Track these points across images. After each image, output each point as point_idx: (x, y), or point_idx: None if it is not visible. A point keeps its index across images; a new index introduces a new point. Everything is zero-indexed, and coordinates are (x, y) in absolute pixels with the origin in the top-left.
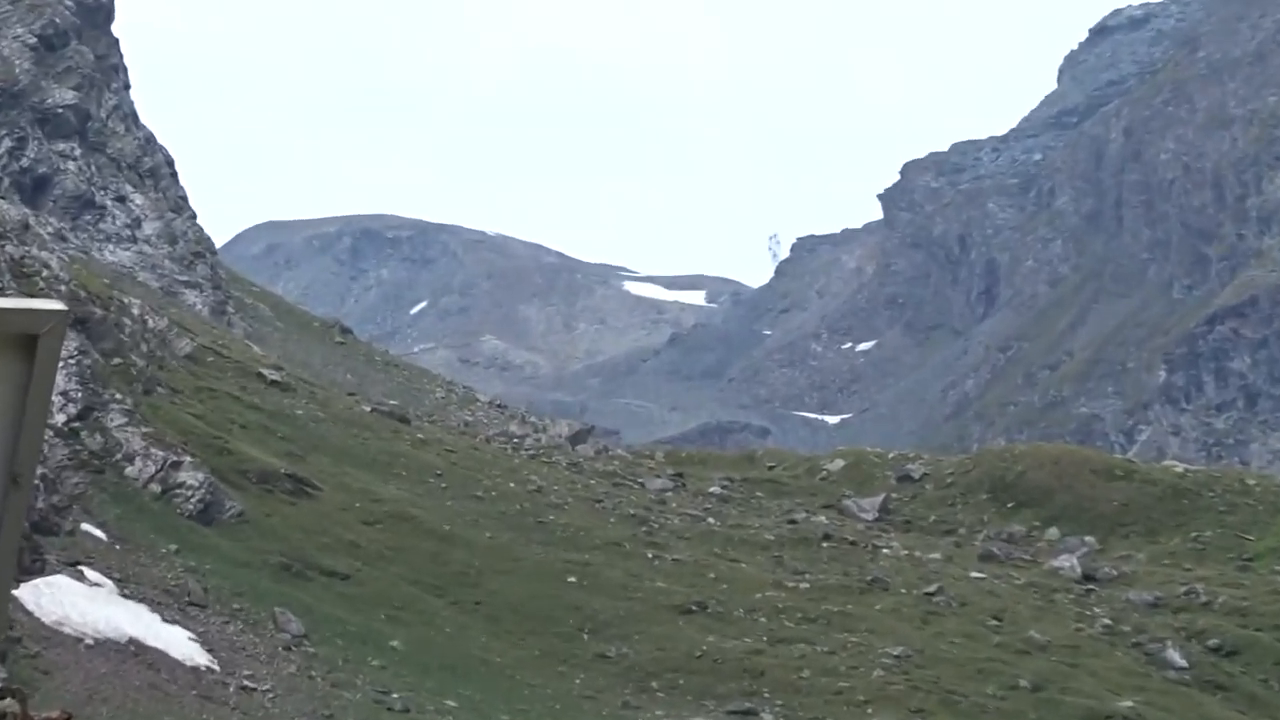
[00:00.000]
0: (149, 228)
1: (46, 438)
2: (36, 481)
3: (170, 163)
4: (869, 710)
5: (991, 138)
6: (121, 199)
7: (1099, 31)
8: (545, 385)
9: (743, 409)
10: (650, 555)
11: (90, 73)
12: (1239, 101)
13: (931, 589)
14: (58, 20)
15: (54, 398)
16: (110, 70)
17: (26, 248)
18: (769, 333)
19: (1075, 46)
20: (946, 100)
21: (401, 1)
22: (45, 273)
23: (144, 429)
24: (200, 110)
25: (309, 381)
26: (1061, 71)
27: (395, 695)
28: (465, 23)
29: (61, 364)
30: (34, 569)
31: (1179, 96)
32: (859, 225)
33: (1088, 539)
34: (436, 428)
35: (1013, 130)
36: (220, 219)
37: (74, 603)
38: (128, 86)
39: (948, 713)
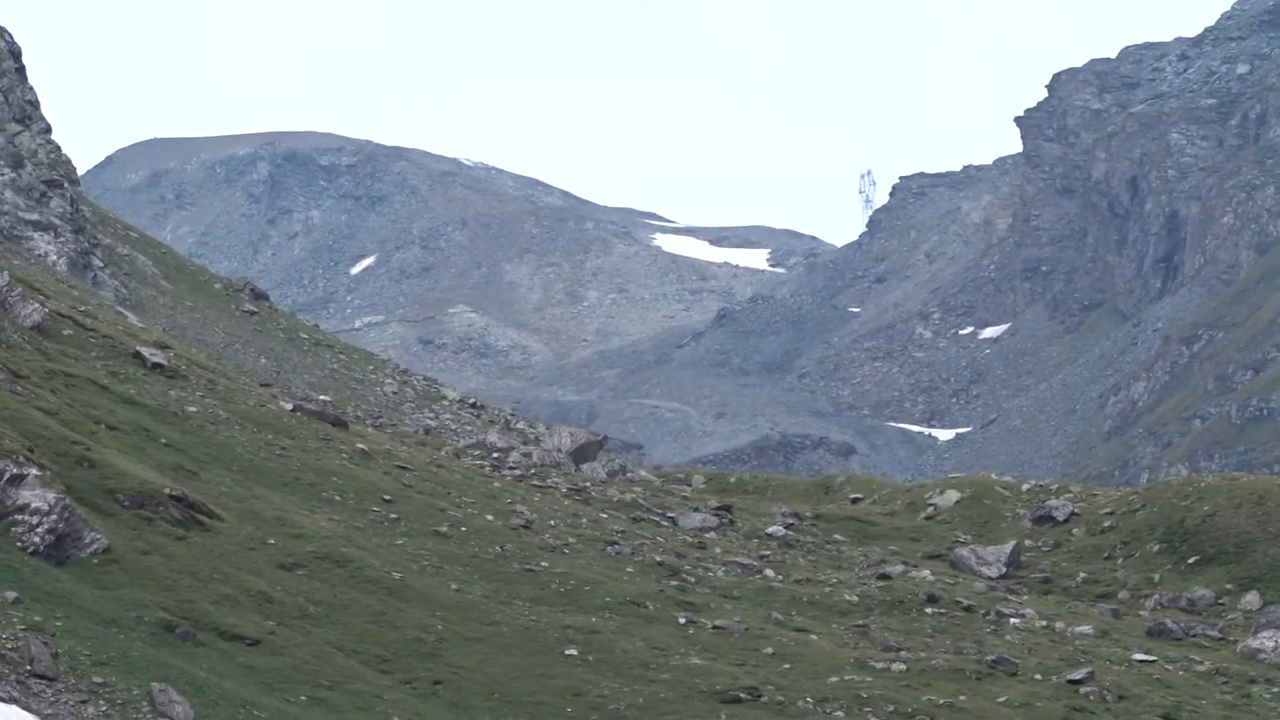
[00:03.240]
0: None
1: None
2: None
3: (15, 53)
4: None
5: (1179, 40)
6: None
7: None
8: (540, 378)
9: (818, 417)
10: (683, 620)
11: None
12: None
13: (1078, 676)
14: None
15: None
16: None
17: None
18: (856, 310)
19: None
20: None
21: None
22: None
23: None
24: None
25: (206, 367)
26: None
27: None
28: None
29: None
30: None
31: None
32: (988, 161)
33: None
34: (385, 435)
35: (1209, 30)
36: (87, 135)
37: None
38: None
39: None
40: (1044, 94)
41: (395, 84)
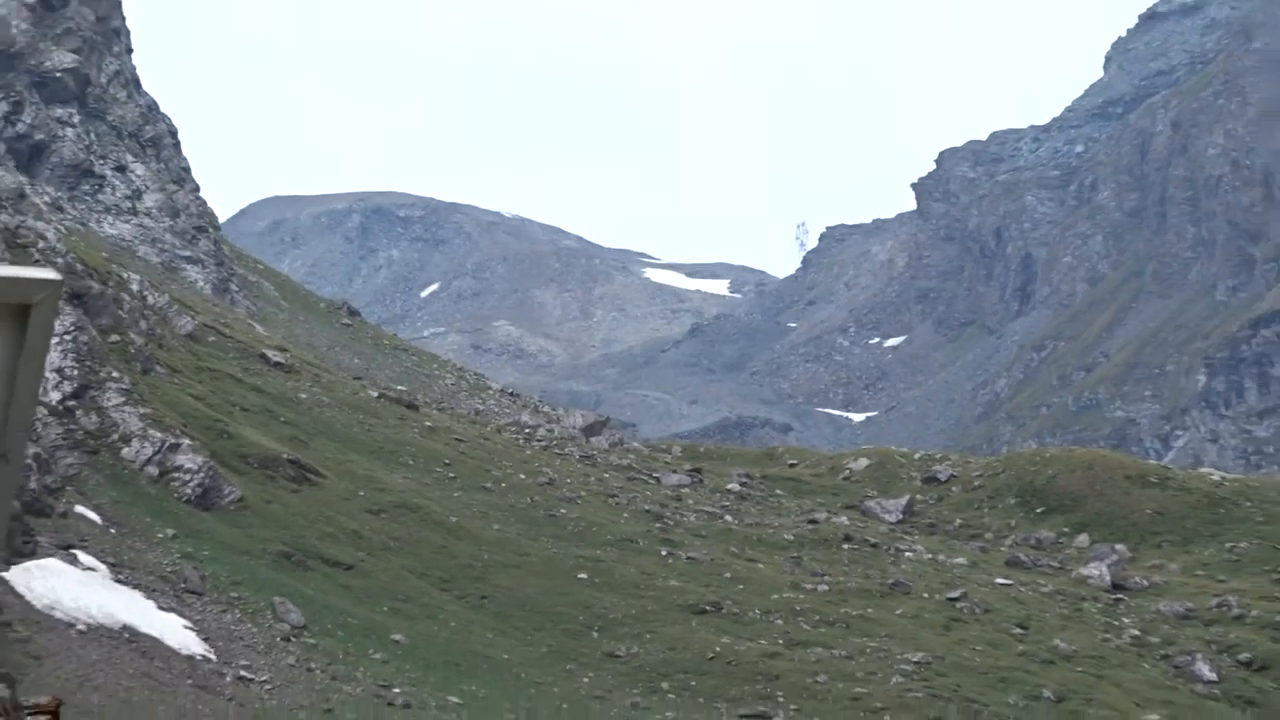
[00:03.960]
0: (150, 200)
1: (39, 415)
2: (28, 461)
3: (173, 132)
4: (886, 718)
5: (1032, 127)
6: (121, 169)
7: (1149, 18)
8: (560, 374)
9: (764, 404)
10: (664, 553)
11: (91, 35)
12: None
13: (955, 595)
14: None
15: (47, 374)
16: (111, 33)
17: (22, 217)
18: (794, 325)
19: (1124, 33)
20: (986, 87)
21: None
22: (41, 244)
23: (142, 409)
24: (206, 79)
25: (314, 364)
26: (1108, 59)
27: (397, 690)
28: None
29: (56, 339)
30: (25, 551)
31: (1230, 89)
32: (891, 215)
33: (1118, 547)
34: (445, 415)
35: (1055, 120)
36: (225, 193)
37: (66, 587)
38: (130, 51)
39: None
40: (933, 165)
41: (452, 156)
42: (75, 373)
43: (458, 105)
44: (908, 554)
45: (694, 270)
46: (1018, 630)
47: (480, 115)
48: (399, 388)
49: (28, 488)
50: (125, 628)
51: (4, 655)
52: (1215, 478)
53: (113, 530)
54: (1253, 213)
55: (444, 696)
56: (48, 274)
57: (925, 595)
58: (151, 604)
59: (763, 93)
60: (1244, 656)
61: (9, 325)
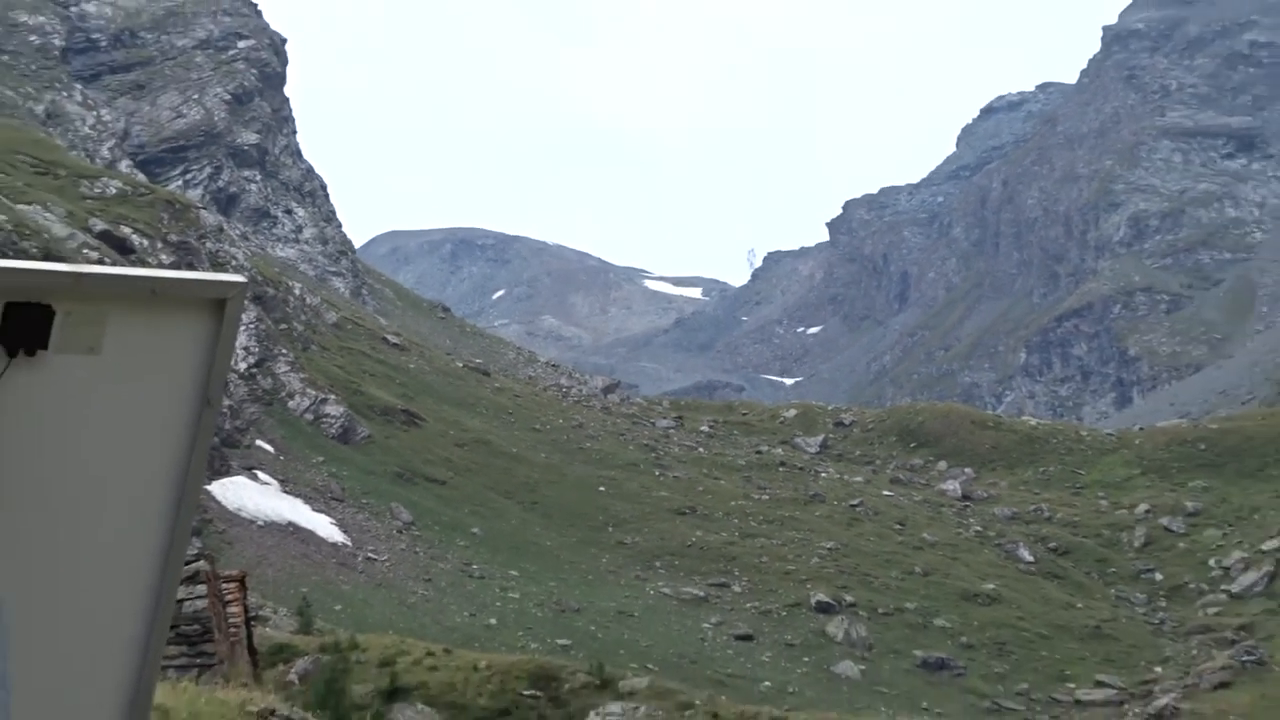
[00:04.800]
0: (307, 232)
1: (231, 379)
2: (224, 410)
3: (324, 186)
4: (808, 586)
5: (908, 185)
6: (289, 212)
7: (987, 110)
8: (586, 352)
9: (725, 372)
10: (657, 473)
11: (268, 121)
12: (1084, 164)
13: (855, 502)
14: (245, 83)
15: (237, 349)
16: (282, 120)
17: (220, 244)
18: (745, 319)
19: (969, 120)
20: (878, 156)
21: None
22: (233, 263)
23: (301, 375)
24: (345, 147)
25: (419, 344)
26: (959, 139)
27: (475, 566)
28: (533, 89)
29: (243, 326)
30: (221, 471)
31: (1042, 159)
32: (812, 244)
33: (966, 470)
34: (508, 379)
35: (923, 180)
36: (359, 227)
37: (249, 496)
38: (294, 131)
39: (864, 589)
40: (840, 210)
41: (514, 200)
42: (256, 349)
43: (517, 165)
44: (823, 474)
45: (677, 281)
46: (897, 526)
47: (532, 171)
48: (476, 360)
49: (223, 428)
50: (290, 524)
51: (206, 541)
52: (1032, 423)
53: (281, 457)
54: (1057, 244)
55: (507, 571)
56: (237, 278)
57: (835, 502)
58: (308, 507)
59: (727, 156)
60: (1052, 544)
61: (211, 315)
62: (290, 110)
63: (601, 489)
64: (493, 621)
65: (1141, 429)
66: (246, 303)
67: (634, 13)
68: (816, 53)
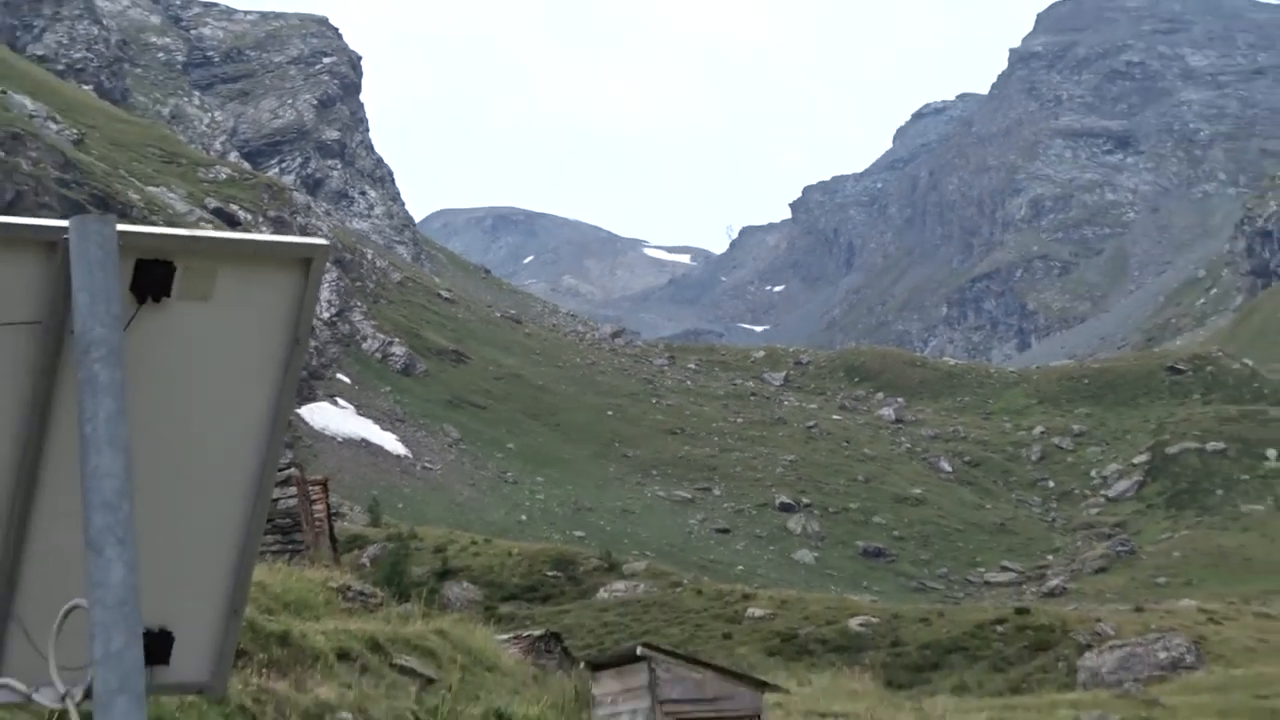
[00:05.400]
0: (378, 210)
1: (316, 325)
2: (310, 349)
3: (390, 173)
4: (773, 490)
5: (854, 173)
6: (363, 193)
7: (917, 115)
8: (598, 305)
9: (709, 322)
10: (653, 401)
11: (346, 121)
12: (994, 158)
13: (810, 424)
14: (328, 91)
15: (321, 301)
16: (357, 120)
17: (309, 219)
18: (724, 279)
19: (903, 122)
20: (830, 150)
21: (519, 78)
22: (318, 233)
23: (373, 322)
24: (408, 140)
25: (465, 299)
26: (894, 137)
27: (509, 474)
28: (556, 91)
29: (326, 283)
30: (308, 398)
31: (960, 154)
32: (777, 221)
33: (899, 399)
34: (536, 327)
35: (866, 170)
36: (417, 206)
37: (331, 417)
38: (367, 129)
39: (817, 493)
40: (799, 194)
41: (541, 181)
42: (337, 302)
43: (544, 154)
44: (785, 403)
45: (671, 249)
46: (844, 444)
47: (556, 159)
48: (510, 311)
49: (310, 363)
50: (362, 440)
51: (296, 454)
52: (951, 362)
53: (356, 387)
54: (971, 221)
55: (534, 478)
56: (321, 241)
57: (794, 425)
58: (377, 427)
59: (710, 148)
60: (966, 458)
61: (299, 270)
62: (364, 112)
63: (609, 413)
64: (523, 517)
65: (1038, 368)
66: (329, 264)
67: (630, 29)
68: (781, 65)
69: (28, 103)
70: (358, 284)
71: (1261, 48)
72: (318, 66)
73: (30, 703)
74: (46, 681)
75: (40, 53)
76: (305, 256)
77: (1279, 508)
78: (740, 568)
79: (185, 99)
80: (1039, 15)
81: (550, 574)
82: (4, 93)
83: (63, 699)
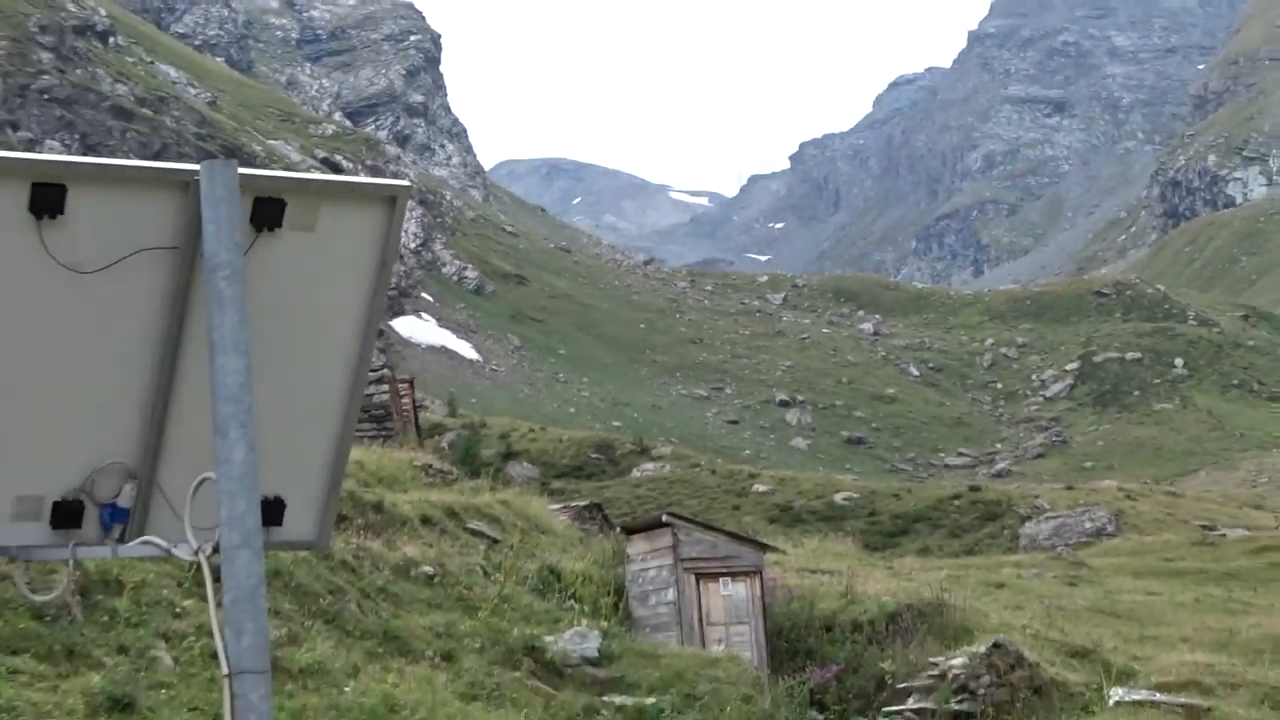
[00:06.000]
0: (454, 160)
1: (404, 253)
2: (398, 272)
3: (465, 130)
4: (774, 389)
5: (841, 132)
6: (442, 146)
7: (893, 85)
8: (633, 238)
9: (722, 252)
10: (677, 316)
11: (429, 88)
12: (954, 120)
13: (804, 336)
14: (414, 63)
15: (407, 234)
16: (437, 86)
17: (399, 168)
18: (735, 219)
19: (881, 91)
20: (822, 111)
21: (576, 46)
22: (406, 178)
23: (451, 251)
24: (480, 101)
25: (526, 234)
26: (874, 103)
27: (561, 375)
28: (601, 54)
29: (412, 219)
30: (397, 312)
31: (927, 116)
32: (779, 170)
33: (876, 316)
34: (584, 255)
35: (851, 129)
36: (486, 156)
37: (415, 328)
38: (446, 94)
39: (810, 391)
40: (797, 148)
41: (589, 134)
42: (421, 234)
43: (597, 116)
44: (784, 319)
45: (693, 193)
46: (831, 352)
47: (601, 115)
48: (562, 244)
49: (399, 284)
50: (442, 346)
51: (387, 358)
52: (919, 286)
53: (437, 304)
54: (936, 171)
55: (580, 378)
56: (404, 182)
57: (791, 336)
58: (454, 335)
59: (728, 108)
60: (931, 365)
61: (387, 206)
62: (443, 80)
63: (641, 326)
64: (571, 410)
65: (989, 291)
66: (415, 204)
67: (653, 17)
68: (783, 35)
69: (171, 72)
70: (438, 220)
71: (1173, 30)
72: (405, 43)
73: (170, 557)
74: (183, 540)
75: (181, 31)
76: (390, 195)
77: (1184, 406)
78: (747, 452)
79: (298, 69)
80: (993, 2)
81: (593, 456)
82: (152, 63)
83: (195, 553)
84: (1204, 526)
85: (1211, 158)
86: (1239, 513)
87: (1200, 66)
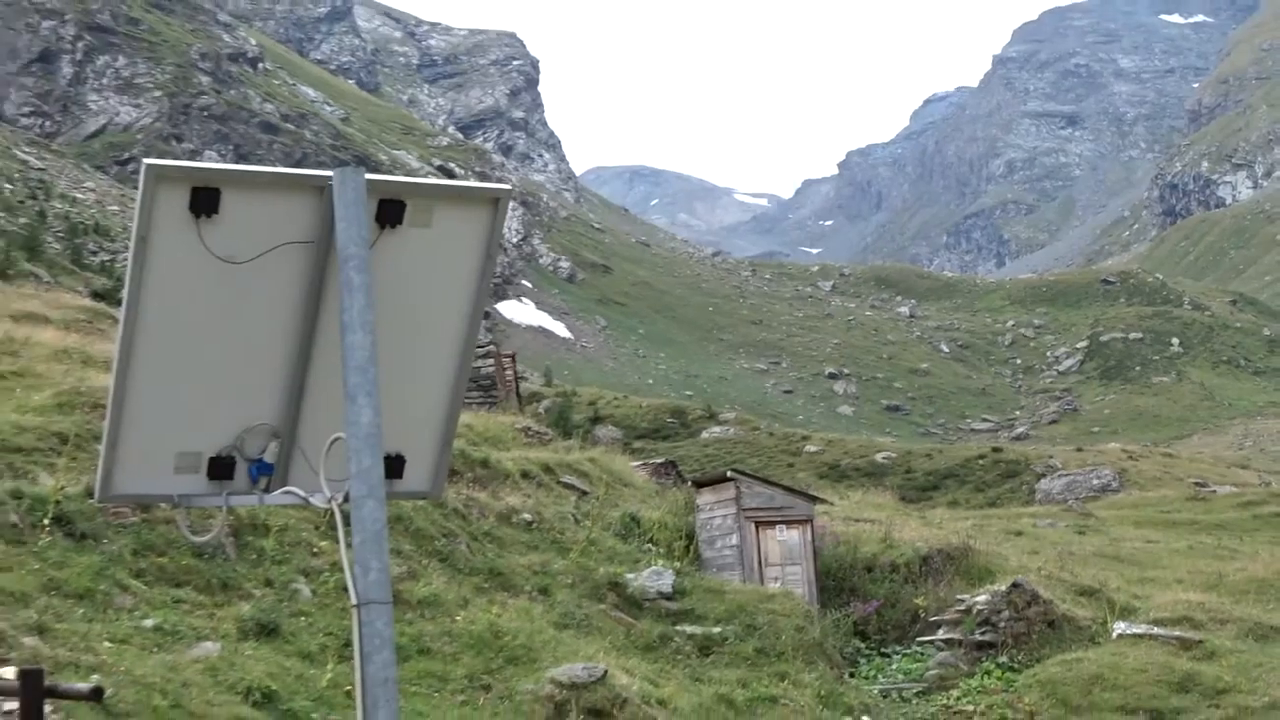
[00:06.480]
0: (550, 168)
1: (506, 246)
2: (501, 262)
3: (559, 142)
4: (823, 364)
5: (882, 143)
6: (540, 156)
7: (927, 101)
8: (703, 234)
9: (781, 245)
10: (740, 300)
11: (529, 105)
12: (981, 131)
13: (850, 319)
14: (516, 84)
15: (509, 230)
16: (537, 105)
17: (504, 174)
18: (790, 216)
19: (917, 106)
20: (865, 124)
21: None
22: (509, 183)
23: (548, 245)
24: (573, 116)
25: (611, 229)
26: (911, 117)
27: (640, 351)
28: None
29: (513, 216)
30: (501, 296)
31: (956, 129)
32: (829, 175)
33: (912, 301)
34: (662, 249)
35: (891, 140)
36: (577, 164)
37: (517, 310)
38: (543, 110)
39: (855, 365)
40: (844, 156)
41: (667, 148)
42: (521, 230)
43: (670, 130)
44: (833, 303)
45: (755, 195)
46: (873, 331)
47: (676, 128)
48: (642, 239)
49: (502, 272)
50: (539, 326)
51: (493, 335)
52: (949, 275)
53: (535, 290)
54: (964, 175)
55: (657, 354)
56: (506, 186)
57: (839, 318)
58: (549, 317)
59: (784, 125)
60: (959, 343)
61: (491, 206)
62: (541, 98)
63: (710, 309)
64: (650, 381)
65: (1010, 279)
66: (516, 204)
67: (713, 35)
68: (834, 59)
69: (310, 92)
70: (536, 219)
71: (1172, 54)
72: (509, 67)
73: (308, 505)
74: (318, 490)
75: (319, 57)
76: (495, 197)
77: (1180, 379)
78: (800, 418)
79: (418, 89)
80: (1014, 30)
81: (669, 420)
82: (295, 85)
83: (329, 501)
84: (1196, 483)
85: (1205, 164)
86: (1227, 472)
87: (1195, 85)
